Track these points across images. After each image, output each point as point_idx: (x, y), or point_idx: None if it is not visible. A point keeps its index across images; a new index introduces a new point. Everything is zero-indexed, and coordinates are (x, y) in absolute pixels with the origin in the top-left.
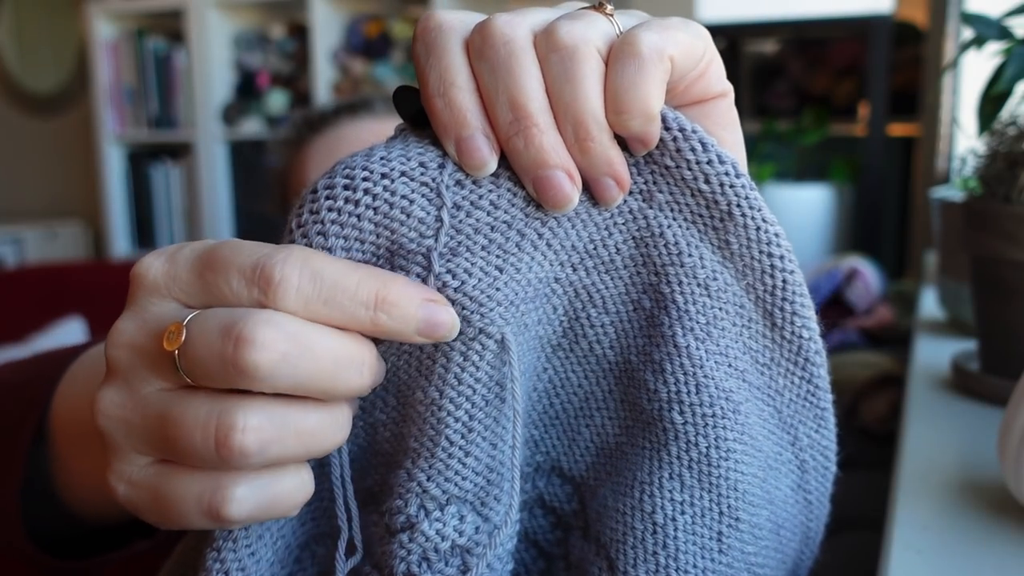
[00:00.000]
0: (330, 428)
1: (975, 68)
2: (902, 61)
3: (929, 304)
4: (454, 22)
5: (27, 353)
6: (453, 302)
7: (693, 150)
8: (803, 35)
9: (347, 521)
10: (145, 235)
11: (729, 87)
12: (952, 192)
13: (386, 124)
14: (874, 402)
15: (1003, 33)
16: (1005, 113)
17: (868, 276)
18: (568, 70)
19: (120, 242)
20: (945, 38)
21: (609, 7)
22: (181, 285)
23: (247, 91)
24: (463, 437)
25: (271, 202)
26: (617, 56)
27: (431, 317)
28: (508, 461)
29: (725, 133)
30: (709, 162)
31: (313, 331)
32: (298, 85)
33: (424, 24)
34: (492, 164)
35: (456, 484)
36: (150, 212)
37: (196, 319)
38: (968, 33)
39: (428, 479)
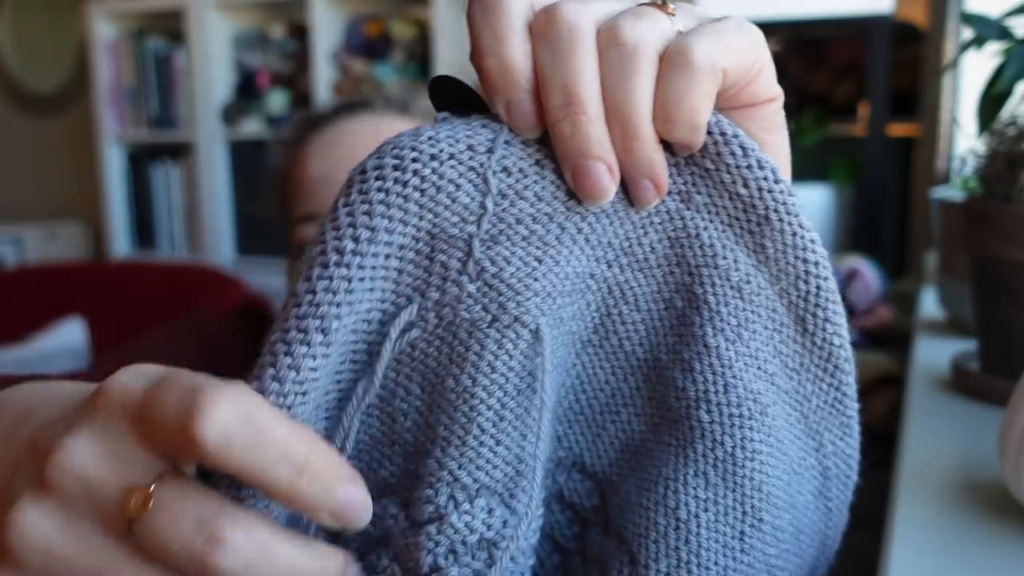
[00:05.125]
0: None
1: (975, 68)
2: (902, 61)
3: (929, 304)
4: None
5: (28, 353)
6: (490, 288)
7: (733, 154)
8: (803, 35)
9: None
10: (145, 235)
11: (779, 91)
12: (952, 192)
13: (385, 121)
14: (874, 402)
15: (1003, 33)
16: (1005, 113)
17: (868, 276)
18: (625, 68)
19: (120, 242)
20: (945, 38)
21: (671, 6)
22: (134, 407)
23: (247, 91)
24: (495, 425)
25: (271, 202)
26: (670, 64)
27: (349, 499)
28: (533, 453)
29: (769, 136)
30: (748, 167)
31: (281, 541)
32: (298, 85)
33: None
34: (540, 129)
35: (487, 473)
36: (150, 212)
37: (166, 494)
38: (968, 33)
39: (460, 467)
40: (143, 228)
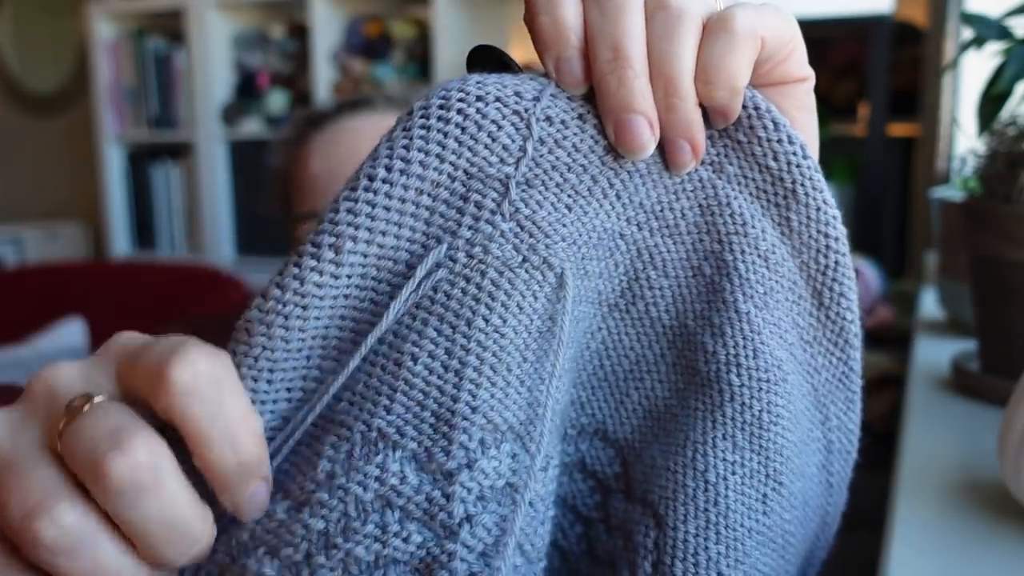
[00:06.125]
0: None
1: (975, 68)
2: (902, 61)
3: (929, 304)
4: None
5: (27, 353)
6: (522, 228)
7: (765, 128)
8: (803, 35)
9: None
10: (145, 235)
11: (810, 73)
12: (952, 192)
13: (387, 119)
14: (874, 402)
15: (1003, 33)
16: (1005, 113)
17: (868, 276)
18: (670, 29)
19: (120, 242)
20: (945, 38)
21: None
22: (128, 350)
23: (247, 91)
24: (519, 366)
25: (272, 201)
26: (712, 29)
27: (256, 496)
28: (547, 392)
29: (799, 115)
30: (779, 140)
31: (177, 481)
32: (298, 85)
33: None
34: (585, 86)
35: (513, 414)
36: (150, 212)
37: (105, 406)
38: (968, 33)
39: (492, 409)
40: (143, 228)
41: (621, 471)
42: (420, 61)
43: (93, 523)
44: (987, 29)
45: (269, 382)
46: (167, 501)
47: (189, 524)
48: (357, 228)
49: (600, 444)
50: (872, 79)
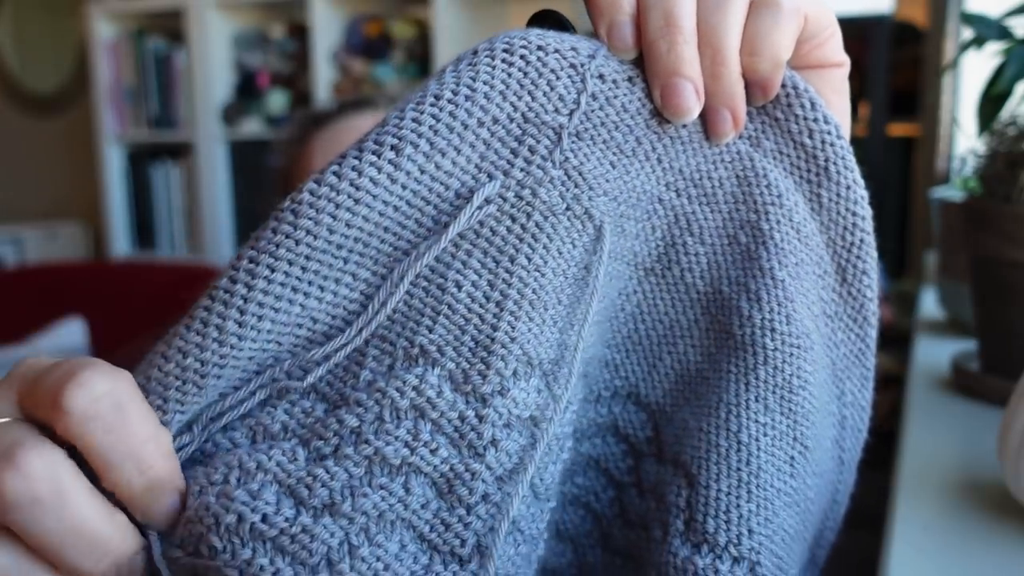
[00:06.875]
0: None
1: (975, 68)
2: (902, 61)
3: (929, 304)
4: None
5: (27, 353)
6: (569, 178)
7: (803, 106)
8: None
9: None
10: (145, 235)
11: (846, 59)
12: (952, 192)
13: None
14: (874, 402)
15: (1003, 33)
16: (1005, 113)
17: None
18: (720, 4)
19: (120, 242)
20: (945, 38)
21: None
22: (32, 373)
23: (247, 91)
24: (554, 307)
25: (274, 200)
26: (759, 4)
27: (172, 510)
28: (578, 334)
29: (834, 97)
30: (815, 119)
31: (78, 490)
32: (298, 85)
33: None
34: (635, 52)
35: (545, 351)
36: (150, 212)
37: (1, 427)
38: (968, 33)
39: (528, 342)
40: (143, 228)
41: (653, 435)
42: (420, 61)
43: None
44: (987, 29)
45: (303, 269)
46: (70, 513)
47: (97, 534)
48: (420, 136)
49: (633, 408)
50: (872, 79)
